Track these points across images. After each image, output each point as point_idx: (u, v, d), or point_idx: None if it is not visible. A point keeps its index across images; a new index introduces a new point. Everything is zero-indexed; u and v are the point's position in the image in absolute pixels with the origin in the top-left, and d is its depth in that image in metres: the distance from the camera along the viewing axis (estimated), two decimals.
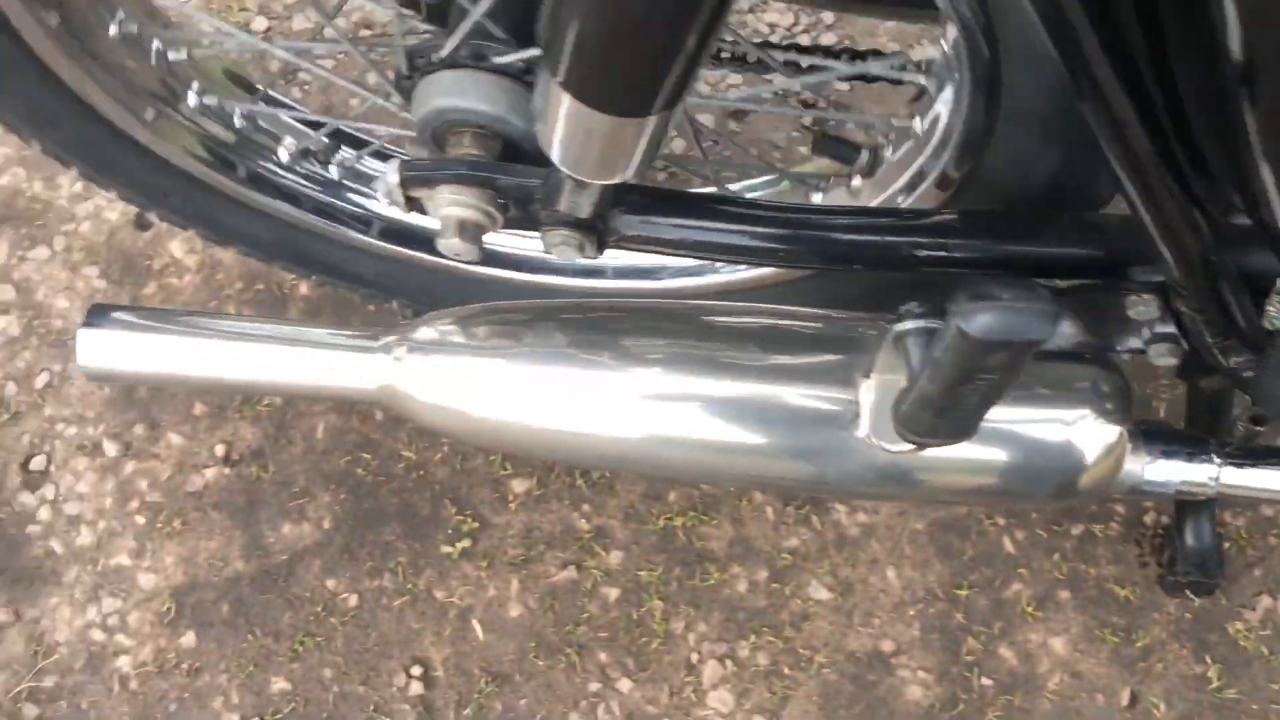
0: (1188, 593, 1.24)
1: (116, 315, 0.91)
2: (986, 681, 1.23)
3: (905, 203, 0.93)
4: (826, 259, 0.83)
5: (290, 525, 1.27)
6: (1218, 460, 0.91)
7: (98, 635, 1.22)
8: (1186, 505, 1.19)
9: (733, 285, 1.14)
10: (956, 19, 0.75)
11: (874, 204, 0.95)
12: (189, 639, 1.22)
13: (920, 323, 0.78)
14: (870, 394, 0.83)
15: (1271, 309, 0.74)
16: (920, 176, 0.89)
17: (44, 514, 1.26)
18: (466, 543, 1.26)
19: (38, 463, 1.28)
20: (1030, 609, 1.26)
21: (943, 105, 0.85)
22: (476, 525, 1.27)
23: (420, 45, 0.82)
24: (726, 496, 1.28)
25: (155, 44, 0.99)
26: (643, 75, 0.58)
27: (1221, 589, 1.24)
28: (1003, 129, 0.80)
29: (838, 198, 0.99)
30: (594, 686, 1.21)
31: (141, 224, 1.38)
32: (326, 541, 1.26)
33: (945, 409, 0.71)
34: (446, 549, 1.26)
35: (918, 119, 0.89)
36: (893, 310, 0.80)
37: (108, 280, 1.35)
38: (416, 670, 1.22)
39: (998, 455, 0.83)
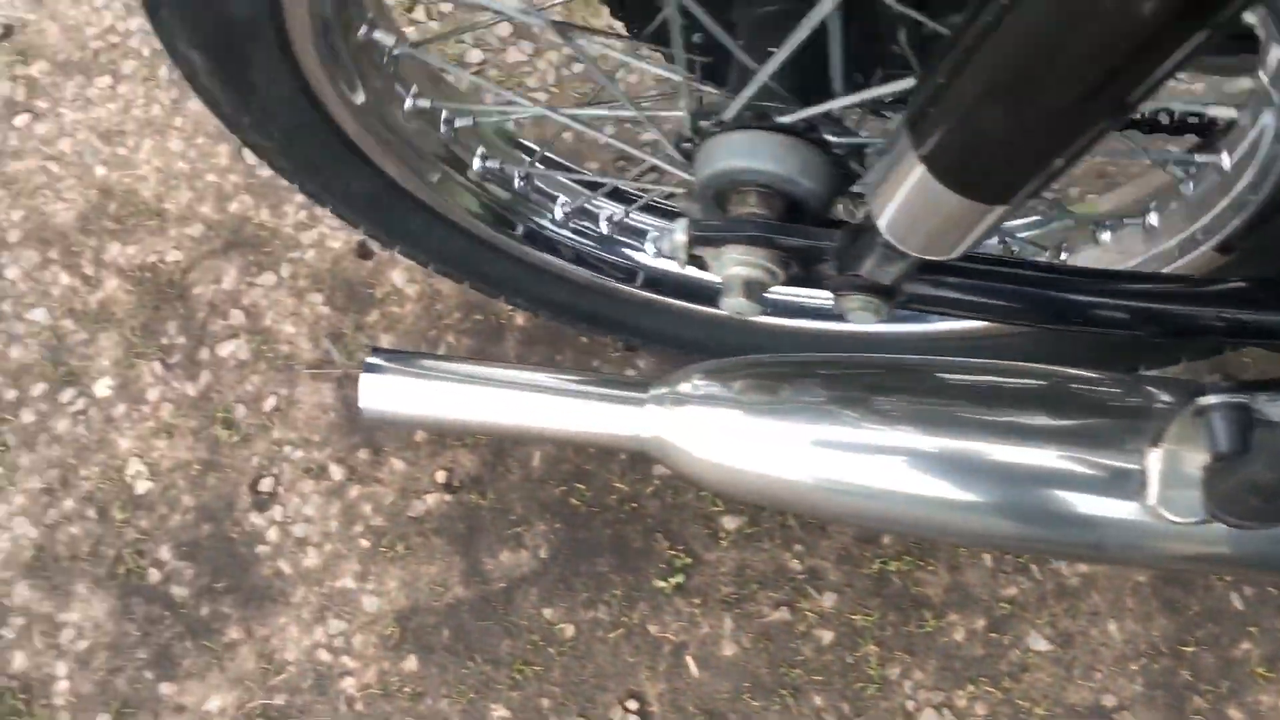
0: None
1: (396, 361, 0.94)
2: None
3: (1178, 262, 0.91)
4: (1123, 322, 0.82)
5: (508, 553, 1.29)
6: None
7: (324, 656, 1.26)
8: None
9: (947, 334, 1.13)
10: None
11: (1171, 242, 0.92)
12: (411, 663, 1.25)
13: (1227, 398, 0.76)
14: (1158, 463, 0.81)
15: None
16: (1208, 233, 0.87)
17: (272, 535, 1.30)
18: (680, 578, 1.27)
19: (266, 484, 1.32)
20: (1261, 670, 1.22)
21: (1254, 136, 0.82)
22: (689, 560, 1.28)
23: (704, 108, 0.82)
24: (946, 545, 1.27)
25: (444, 114, 1.03)
26: (1021, 169, 0.57)
27: None
28: None
29: (1131, 236, 0.97)
30: None
31: (364, 253, 1.41)
32: (543, 570, 1.28)
33: (1274, 495, 0.69)
34: (660, 583, 1.27)
35: (1224, 154, 0.87)
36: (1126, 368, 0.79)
37: (332, 307, 1.39)
38: (632, 704, 1.23)
39: None
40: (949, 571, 1.27)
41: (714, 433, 0.88)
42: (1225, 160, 0.87)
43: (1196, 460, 0.77)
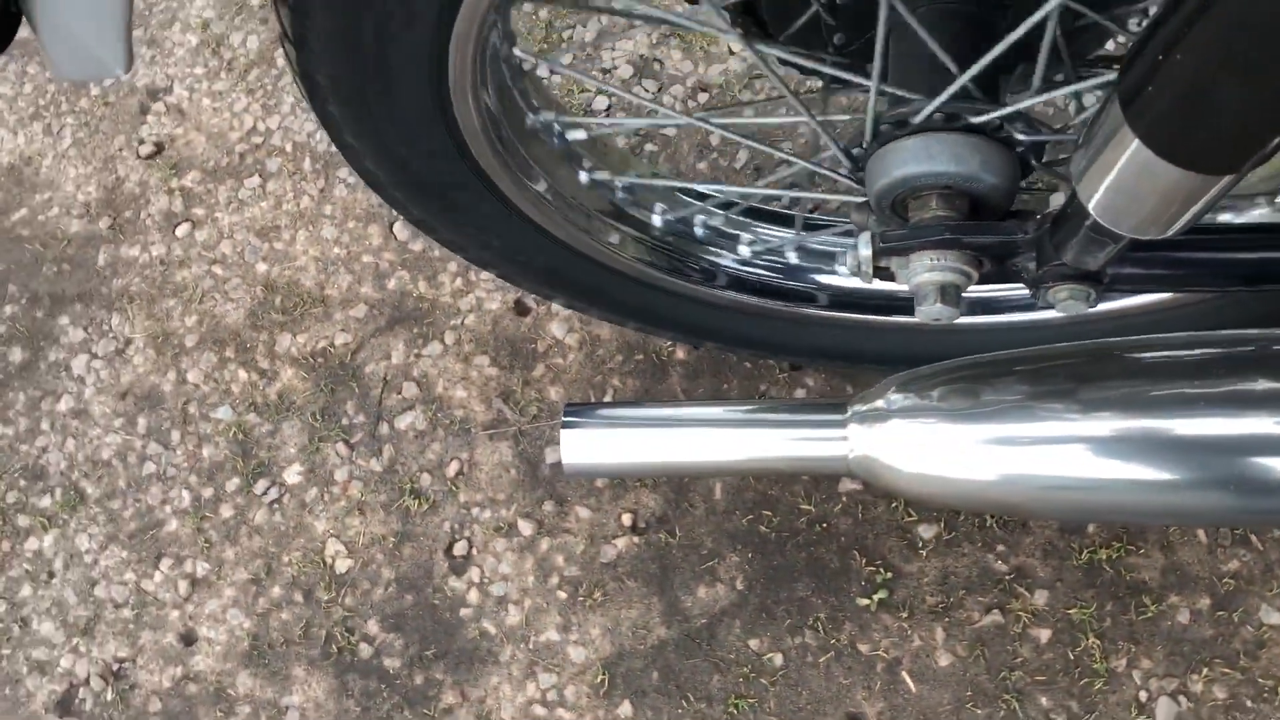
0: None
1: (592, 413, 0.94)
2: None
3: None
4: None
5: (704, 588, 1.29)
6: None
7: (540, 710, 1.27)
8: None
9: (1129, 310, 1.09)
10: None
11: None
12: (625, 709, 1.25)
13: None
14: None
15: None
16: None
17: (473, 596, 1.32)
18: (883, 593, 1.25)
19: (460, 548, 1.35)
20: None
21: None
22: (890, 574, 1.26)
23: (890, 113, 0.81)
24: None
25: (617, 182, 1.05)
26: (1253, 134, 0.55)
27: None
28: None
29: None
30: None
31: (520, 310, 1.43)
32: (742, 602, 1.28)
33: None
34: (863, 600, 1.25)
35: None
36: None
37: (498, 367, 1.41)
38: None
39: None
40: (1162, 552, 1.22)
41: (922, 445, 0.87)
42: None
43: None
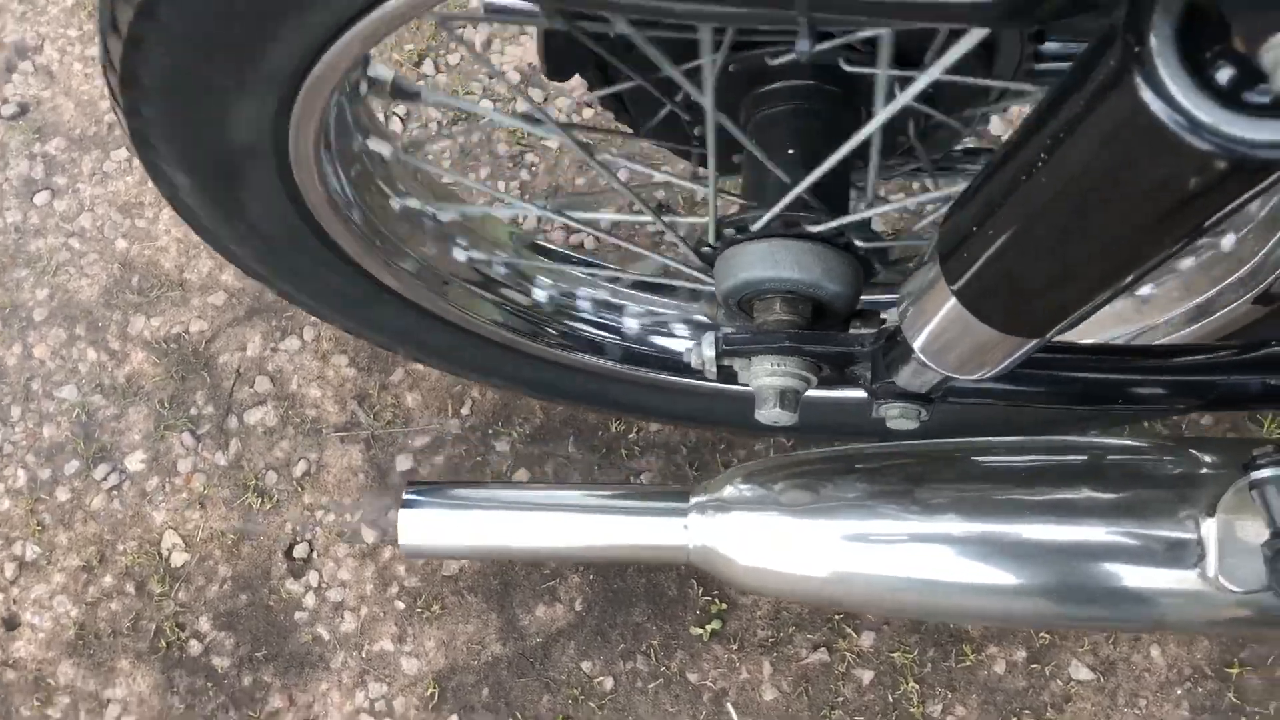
0: None
1: (435, 493, 0.94)
2: None
3: (1202, 322, 0.90)
4: (1165, 397, 0.81)
5: (544, 607, 1.29)
6: None
7: None
8: None
9: None
10: None
11: (1164, 317, 0.92)
12: None
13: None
14: (1215, 533, 0.80)
15: None
16: (1233, 294, 0.87)
17: (309, 600, 1.31)
18: (716, 624, 1.27)
19: (300, 550, 1.33)
20: None
21: None
22: (724, 606, 1.28)
23: (733, 218, 0.82)
24: None
25: (497, 264, 1.05)
26: (1060, 306, 0.57)
27: None
28: None
29: (1123, 306, 0.97)
30: None
31: None
32: (579, 623, 1.29)
33: None
34: (696, 630, 1.27)
35: (1230, 235, 0.86)
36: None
37: (356, 368, 1.39)
38: None
39: None
40: None
41: (760, 540, 0.88)
42: (1228, 242, 0.87)
43: (1255, 530, 0.77)
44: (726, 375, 0.86)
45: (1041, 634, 1.25)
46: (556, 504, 0.93)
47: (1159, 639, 1.23)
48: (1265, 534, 0.75)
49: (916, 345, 0.67)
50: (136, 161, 1.49)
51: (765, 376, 0.82)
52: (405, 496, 0.93)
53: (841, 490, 0.87)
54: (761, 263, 0.81)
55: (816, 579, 0.88)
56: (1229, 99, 0.41)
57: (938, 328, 0.64)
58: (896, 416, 0.80)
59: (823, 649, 1.26)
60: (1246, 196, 0.46)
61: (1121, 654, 1.23)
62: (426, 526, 0.93)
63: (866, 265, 0.83)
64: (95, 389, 1.41)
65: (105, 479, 1.37)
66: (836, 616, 1.26)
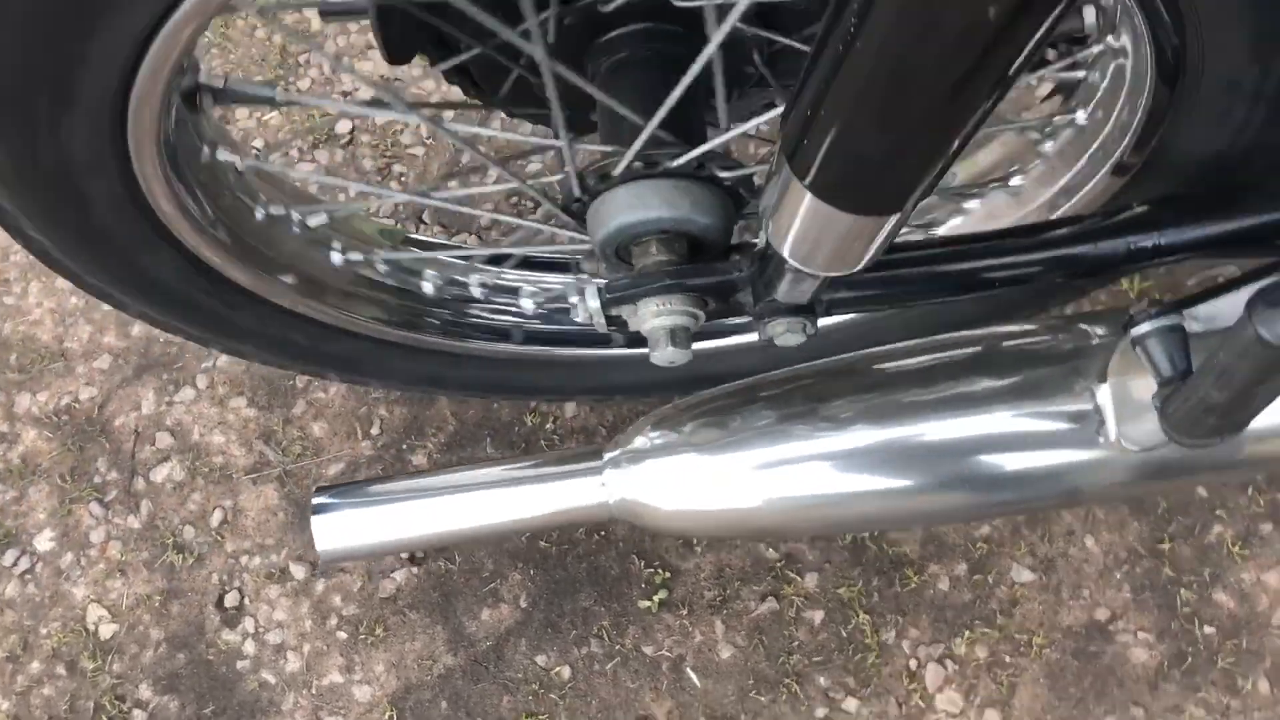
0: None
1: (344, 493, 0.92)
2: (1209, 630, 1.21)
3: (1071, 201, 0.92)
4: (1040, 274, 0.82)
5: (488, 610, 1.28)
6: None
7: None
8: None
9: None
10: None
11: (1036, 203, 0.94)
12: None
13: (1159, 322, 0.76)
14: (1109, 399, 0.82)
15: None
16: (1092, 167, 0.88)
17: (249, 648, 1.28)
18: (662, 594, 1.27)
19: (231, 599, 1.30)
20: (1236, 549, 1.24)
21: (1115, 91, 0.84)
22: (668, 574, 1.28)
23: (593, 167, 0.81)
24: None
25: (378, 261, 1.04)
26: (906, 178, 0.58)
27: None
28: (1185, 105, 0.79)
29: (997, 201, 0.98)
30: (820, 712, 1.21)
31: None
32: (526, 619, 1.27)
33: (1230, 410, 0.70)
34: (644, 603, 1.27)
35: (1080, 111, 0.88)
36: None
37: (256, 407, 1.37)
38: None
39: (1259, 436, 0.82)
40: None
41: (678, 481, 0.88)
42: (1081, 117, 0.89)
43: (1145, 387, 0.78)
44: (619, 327, 0.86)
45: (979, 544, 1.26)
46: (473, 483, 0.92)
47: (1091, 528, 1.26)
48: (1154, 388, 0.77)
49: (786, 252, 0.68)
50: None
51: (653, 319, 0.82)
52: (314, 502, 0.91)
53: (749, 420, 0.87)
54: (629, 207, 0.81)
55: (739, 510, 0.88)
56: None
57: (801, 228, 0.64)
58: (783, 332, 0.80)
59: (770, 598, 1.26)
60: (1045, 25, 0.47)
61: (1059, 550, 1.25)
62: (343, 528, 0.91)
63: (734, 195, 0.84)
64: None
65: (15, 564, 1.32)
66: (778, 564, 1.27)
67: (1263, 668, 1.20)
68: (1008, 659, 1.22)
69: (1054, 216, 0.94)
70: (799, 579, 1.26)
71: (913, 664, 1.22)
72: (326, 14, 1.02)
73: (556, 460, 0.93)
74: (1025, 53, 0.48)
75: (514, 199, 1.43)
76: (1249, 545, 1.24)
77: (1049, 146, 0.93)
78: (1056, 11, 0.45)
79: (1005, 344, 0.87)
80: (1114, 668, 1.21)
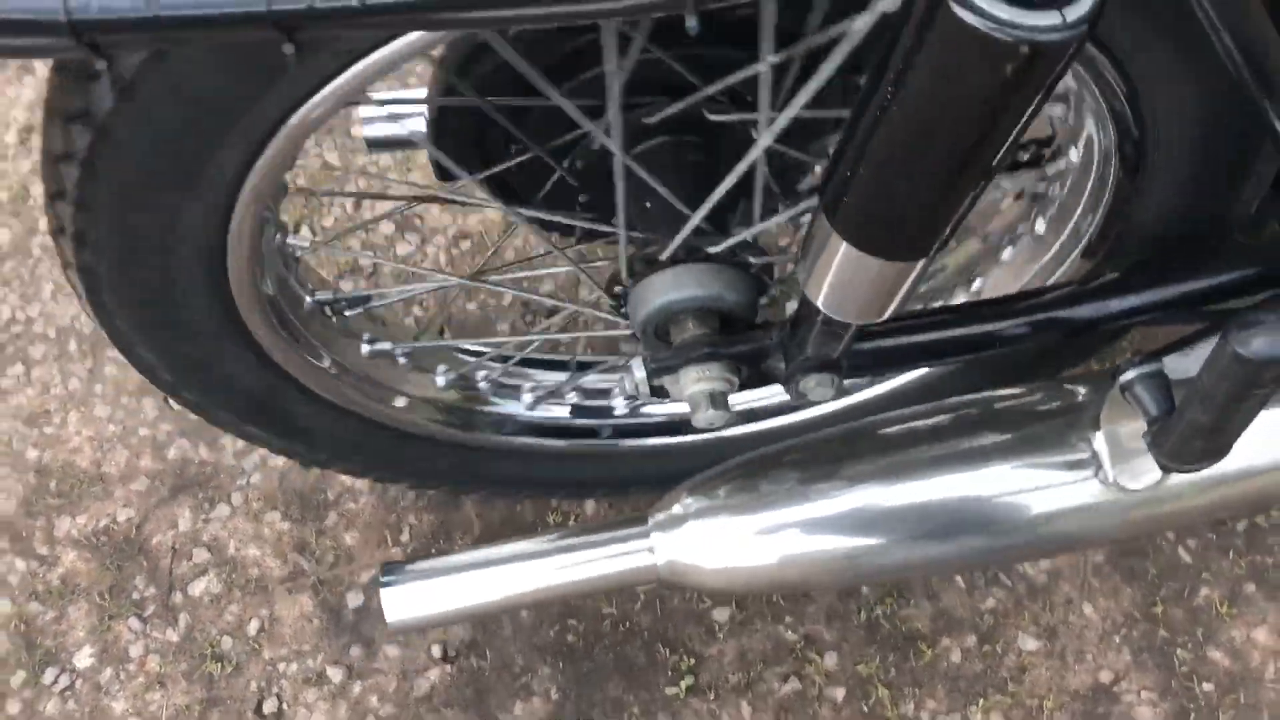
0: None
1: (409, 568, 0.99)
2: (1208, 687, 1.29)
3: (1058, 272, 1.04)
4: (1028, 337, 0.94)
5: (521, 704, 1.32)
6: None
7: None
8: None
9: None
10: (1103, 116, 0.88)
11: (1026, 279, 1.06)
12: None
13: (1143, 369, 0.87)
14: (1104, 445, 0.92)
15: None
16: (1068, 247, 1.01)
17: None
18: (689, 680, 1.32)
19: (270, 705, 1.33)
20: (1224, 609, 1.32)
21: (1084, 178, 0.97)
22: (693, 661, 1.33)
23: (640, 253, 0.93)
24: (918, 579, 1.35)
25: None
26: (927, 225, 0.69)
27: None
28: (1146, 184, 0.92)
29: (996, 277, 1.10)
30: None
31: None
32: (558, 711, 1.32)
33: (1215, 433, 0.80)
34: (671, 690, 1.32)
35: (1056, 185, 1.01)
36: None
37: (290, 520, 1.43)
38: None
39: (1245, 464, 0.92)
40: (929, 601, 1.35)
41: (719, 542, 0.97)
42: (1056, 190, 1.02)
43: (1136, 430, 0.88)
44: (661, 397, 0.96)
45: (986, 615, 1.34)
46: (528, 554, 1.00)
47: (1088, 595, 1.34)
48: (1144, 428, 0.87)
49: (821, 302, 0.78)
50: (35, 372, 1.53)
51: (694, 384, 0.92)
52: (383, 579, 0.98)
53: (778, 483, 0.96)
54: (671, 288, 0.92)
55: (774, 565, 0.97)
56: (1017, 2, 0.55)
57: (836, 277, 0.75)
58: (814, 387, 0.90)
59: (793, 678, 1.32)
60: (1047, 82, 0.59)
61: (1060, 618, 1.33)
62: (409, 599, 0.97)
63: (760, 278, 0.95)
64: (30, 597, 1.40)
65: (55, 682, 1.35)
66: (799, 645, 1.33)
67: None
68: None
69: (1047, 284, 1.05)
70: (819, 659, 1.33)
71: None
72: (374, 145, 1.14)
73: (604, 528, 1.01)
74: (1024, 110, 0.60)
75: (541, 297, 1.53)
76: (1235, 605, 1.32)
77: (1039, 228, 1.05)
78: (1037, 100, 0.58)
79: (1006, 404, 0.97)
80: None
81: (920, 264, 0.74)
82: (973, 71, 0.58)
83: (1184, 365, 0.90)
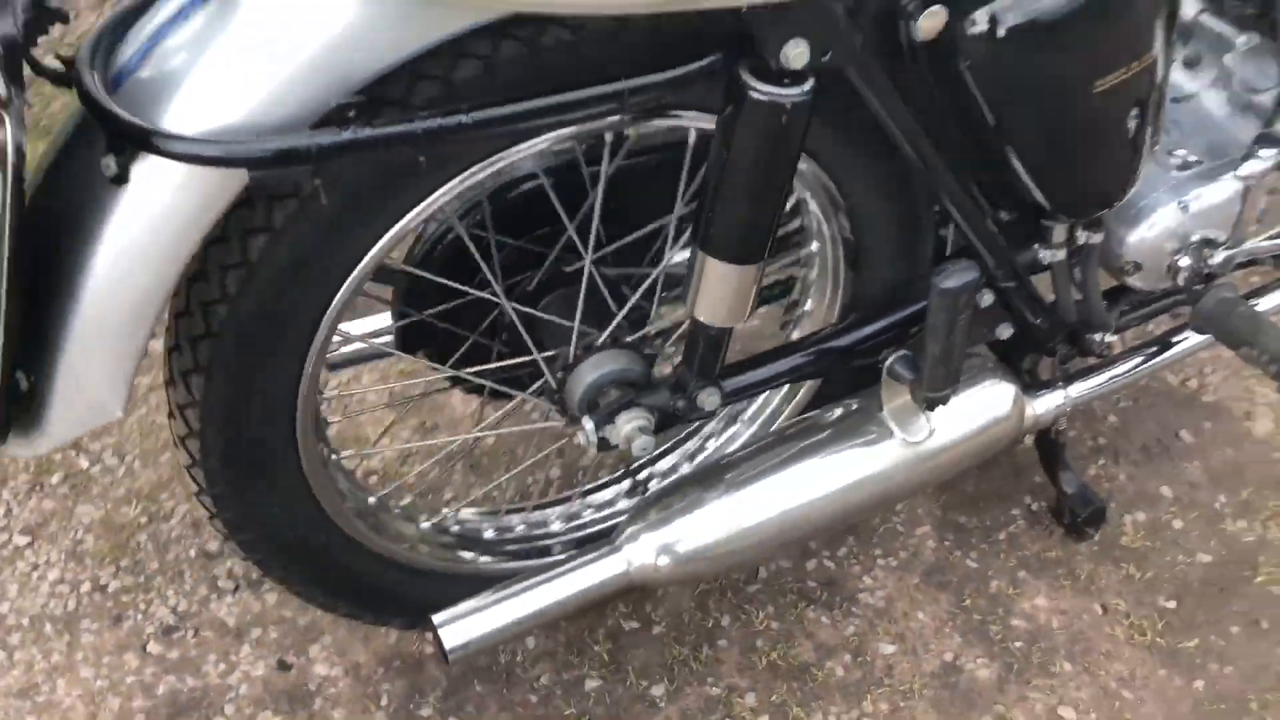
0: (1087, 530, 1.83)
1: (453, 609, 1.32)
2: (1019, 644, 1.73)
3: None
4: (820, 363, 1.45)
5: None
6: (1061, 384, 1.57)
7: None
8: (1055, 465, 1.81)
9: None
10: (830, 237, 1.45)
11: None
12: None
13: (898, 352, 1.39)
14: (889, 415, 1.42)
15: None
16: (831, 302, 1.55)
17: None
18: None
19: None
20: (1010, 591, 1.80)
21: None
22: None
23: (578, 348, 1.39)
24: (796, 624, 1.75)
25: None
26: (760, 231, 1.19)
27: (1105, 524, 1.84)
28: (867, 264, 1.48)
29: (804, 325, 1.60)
30: None
31: (283, 666, 1.72)
32: None
33: (946, 358, 1.30)
34: None
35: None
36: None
37: (281, 714, 1.66)
38: None
39: (978, 421, 1.44)
40: (808, 639, 1.74)
41: (679, 539, 1.37)
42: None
43: (904, 396, 1.39)
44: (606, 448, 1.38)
45: (852, 638, 1.74)
46: (537, 583, 1.35)
47: (919, 606, 1.78)
48: (909, 394, 1.38)
49: (704, 317, 1.26)
50: (17, 655, 1.72)
51: (626, 425, 1.35)
52: (436, 619, 1.30)
53: (711, 486, 1.39)
54: (600, 368, 1.38)
55: (723, 547, 1.37)
56: (780, 82, 1.09)
57: (710, 292, 1.23)
58: (707, 398, 1.36)
59: (728, 719, 1.66)
60: (801, 129, 1.12)
61: (903, 626, 1.76)
62: (465, 629, 1.30)
63: (647, 353, 1.43)
64: None
65: None
66: (723, 695, 1.68)
67: (1061, 655, 1.72)
68: (901, 704, 1.67)
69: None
70: (742, 699, 1.68)
71: None
72: (335, 367, 1.55)
73: (581, 554, 1.38)
74: (792, 159, 1.14)
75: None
76: (1017, 586, 1.80)
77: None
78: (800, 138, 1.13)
79: (833, 413, 1.46)
80: (969, 686, 1.69)
81: (758, 266, 1.23)
82: (761, 123, 1.11)
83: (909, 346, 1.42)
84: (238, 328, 1.15)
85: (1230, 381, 2.03)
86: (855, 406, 1.46)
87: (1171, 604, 1.78)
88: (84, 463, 1.95)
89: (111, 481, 1.92)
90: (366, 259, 1.16)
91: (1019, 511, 1.89)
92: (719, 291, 1.25)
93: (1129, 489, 1.91)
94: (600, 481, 1.71)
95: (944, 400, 1.37)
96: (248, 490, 1.31)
